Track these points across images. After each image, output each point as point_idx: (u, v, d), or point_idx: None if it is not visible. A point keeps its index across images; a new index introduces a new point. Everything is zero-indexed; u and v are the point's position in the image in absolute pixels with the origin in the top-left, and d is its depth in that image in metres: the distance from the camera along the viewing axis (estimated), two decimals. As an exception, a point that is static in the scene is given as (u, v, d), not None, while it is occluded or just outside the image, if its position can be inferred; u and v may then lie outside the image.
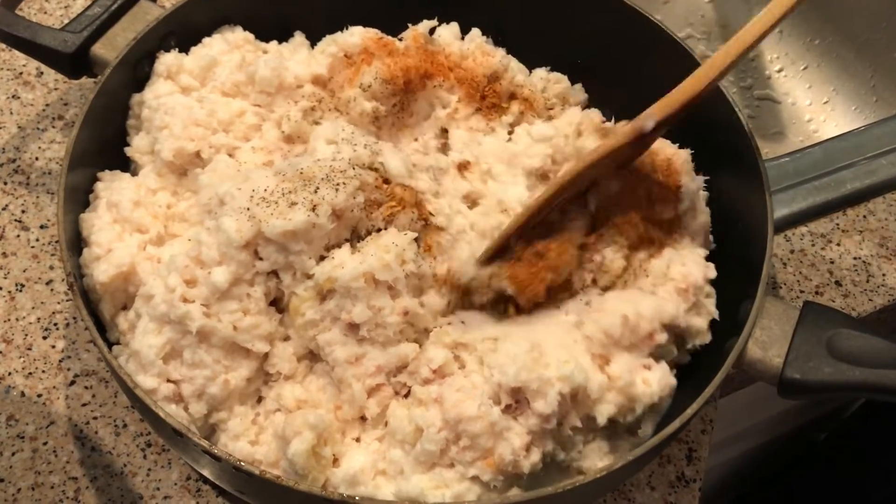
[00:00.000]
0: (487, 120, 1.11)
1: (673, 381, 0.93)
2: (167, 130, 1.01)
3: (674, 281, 0.95)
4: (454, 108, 1.10)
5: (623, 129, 0.91)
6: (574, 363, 0.87)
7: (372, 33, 1.10)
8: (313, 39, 1.16)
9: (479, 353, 0.90)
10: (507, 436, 0.85)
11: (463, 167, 1.06)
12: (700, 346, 0.97)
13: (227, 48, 1.10)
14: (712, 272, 0.98)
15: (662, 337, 0.92)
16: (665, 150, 1.03)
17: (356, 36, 1.09)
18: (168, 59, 1.07)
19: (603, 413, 0.88)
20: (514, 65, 1.15)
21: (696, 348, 0.98)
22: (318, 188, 0.91)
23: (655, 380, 0.90)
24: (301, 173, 0.92)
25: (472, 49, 1.13)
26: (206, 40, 1.10)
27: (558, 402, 0.85)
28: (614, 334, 0.90)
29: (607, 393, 0.89)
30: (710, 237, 1.04)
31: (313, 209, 0.89)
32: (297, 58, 1.10)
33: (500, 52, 1.14)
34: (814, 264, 1.20)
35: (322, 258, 0.92)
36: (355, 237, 0.95)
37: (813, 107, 1.66)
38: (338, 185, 0.91)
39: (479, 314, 0.95)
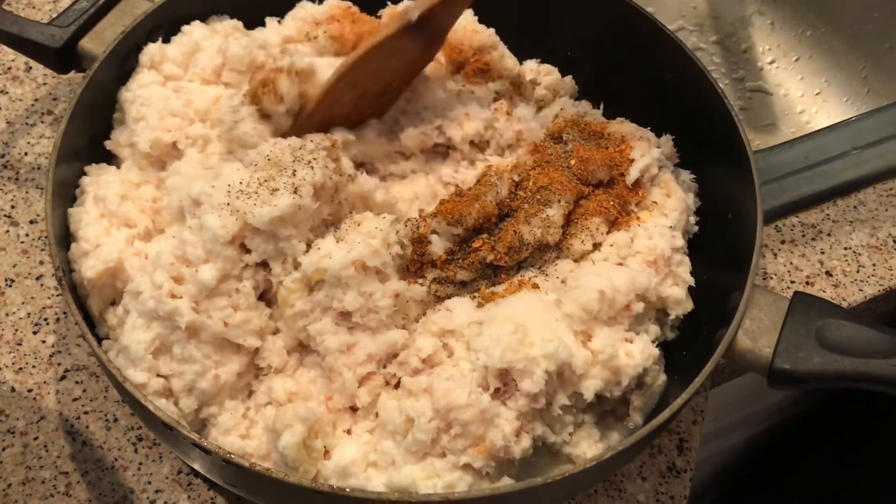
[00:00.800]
0: (469, 83, 1.10)
1: (655, 351, 0.94)
2: (144, 122, 1.01)
3: (641, 254, 0.97)
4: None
5: (392, 21, 0.97)
6: (557, 341, 0.87)
7: (343, 4, 1.11)
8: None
9: (466, 339, 0.90)
10: (498, 422, 0.86)
11: None
12: (684, 316, 0.98)
13: (209, 34, 1.10)
14: (679, 241, 0.99)
15: (639, 306, 0.93)
16: (624, 127, 1.05)
17: (326, 5, 1.11)
18: (152, 49, 1.06)
19: (589, 388, 0.89)
20: (504, 50, 1.14)
21: (679, 319, 0.99)
22: (295, 171, 0.91)
23: (637, 351, 0.91)
24: (269, 160, 0.93)
25: (463, 25, 1.12)
26: (185, 28, 1.10)
27: (545, 381, 0.86)
28: (593, 309, 0.91)
29: (592, 368, 0.90)
30: (692, 220, 1.05)
31: (295, 191, 0.90)
32: (269, 27, 1.10)
33: (490, 31, 1.14)
34: (804, 255, 1.20)
35: (308, 245, 0.92)
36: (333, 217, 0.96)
37: (805, 98, 1.66)
38: (310, 162, 0.92)
39: (464, 301, 0.95)
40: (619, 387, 0.91)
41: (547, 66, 1.18)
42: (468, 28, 1.12)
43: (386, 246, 0.91)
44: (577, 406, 0.92)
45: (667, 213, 1.02)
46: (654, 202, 1.02)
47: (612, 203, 1.00)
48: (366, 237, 0.91)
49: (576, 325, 0.91)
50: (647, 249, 0.97)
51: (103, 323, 0.95)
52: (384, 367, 0.92)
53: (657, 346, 0.97)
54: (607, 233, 1.00)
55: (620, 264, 0.97)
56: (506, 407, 0.87)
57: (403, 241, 0.95)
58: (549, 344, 0.87)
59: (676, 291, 0.97)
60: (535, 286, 0.96)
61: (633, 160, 1.02)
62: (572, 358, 0.88)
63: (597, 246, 0.99)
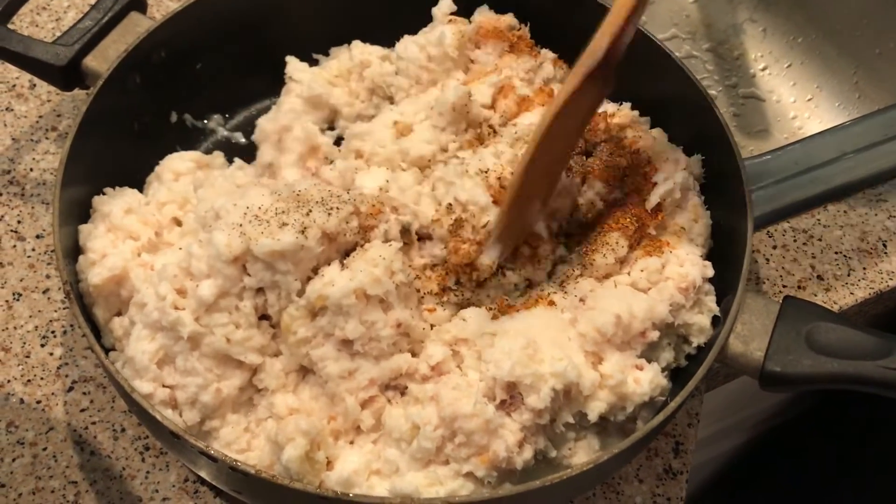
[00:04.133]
0: (525, 56, 1.14)
1: (664, 381, 0.94)
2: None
3: (672, 280, 0.97)
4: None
5: (575, 69, 0.92)
6: (567, 360, 0.89)
7: None
8: (307, 53, 1.19)
9: (478, 349, 0.92)
10: (502, 433, 0.88)
11: None
12: (704, 344, 0.98)
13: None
14: (710, 271, 1.00)
15: (654, 335, 0.94)
16: (656, 146, 1.06)
17: None
18: None
19: (594, 410, 0.91)
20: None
21: (698, 349, 0.99)
22: (310, 211, 0.92)
23: (647, 380, 0.92)
24: (297, 195, 0.94)
25: (485, 17, 1.16)
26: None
27: (551, 398, 0.87)
28: (607, 332, 0.92)
29: (599, 391, 0.91)
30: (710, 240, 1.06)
31: (303, 231, 0.90)
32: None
33: (508, 14, 1.17)
34: (796, 259, 1.22)
35: (310, 278, 0.93)
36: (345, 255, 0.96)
37: (797, 104, 1.68)
38: (331, 209, 0.93)
39: (480, 312, 0.97)
40: (624, 412, 0.92)
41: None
42: (490, 17, 1.16)
43: (389, 274, 0.91)
44: (581, 424, 0.93)
45: (693, 237, 1.03)
46: (682, 227, 1.03)
47: (628, 220, 1.00)
48: (368, 265, 0.91)
49: (588, 345, 0.92)
50: (679, 276, 0.97)
51: (109, 333, 0.97)
52: (387, 388, 0.93)
53: (668, 372, 0.98)
54: (628, 251, 1.00)
55: (650, 289, 0.97)
56: (510, 419, 0.88)
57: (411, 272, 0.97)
58: (558, 363, 0.88)
59: (701, 320, 0.98)
60: (552, 303, 0.97)
61: (655, 183, 1.02)
62: (580, 378, 0.89)
63: (621, 263, 1.00)
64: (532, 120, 1.05)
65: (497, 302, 0.98)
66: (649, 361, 0.94)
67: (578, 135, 1.01)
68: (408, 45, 1.15)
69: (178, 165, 1.09)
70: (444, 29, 1.13)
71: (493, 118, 1.09)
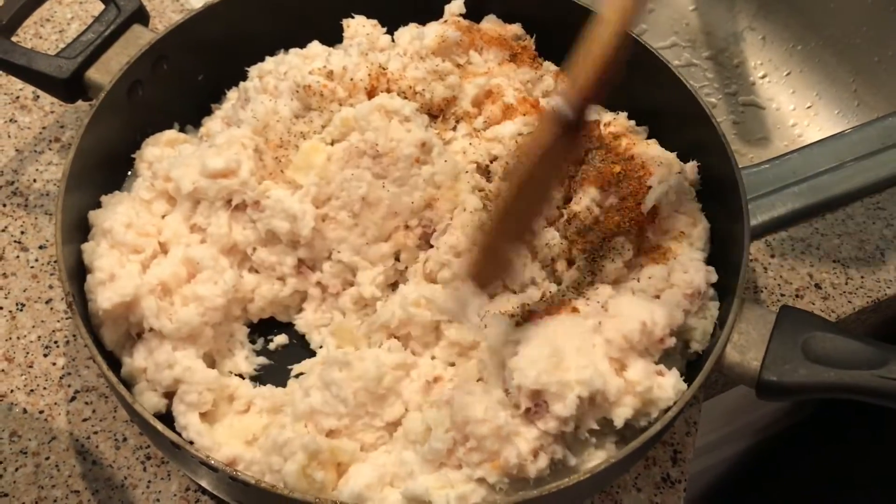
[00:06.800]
0: (525, 66, 1.15)
1: (684, 385, 0.94)
2: None
3: (678, 287, 0.98)
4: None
5: (539, 125, 0.87)
6: (593, 368, 0.89)
7: None
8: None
9: (501, 357, 0.92)
10: (515, 440, 0.88)
11: None
12: (701, 352, 0.99)
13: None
14: (713, 276, 1.00)
15: (671, 341, 0.95)
16: (650, 151, 1.06)
17: None
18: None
19: (620, 416, 0.90)
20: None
21: (696, 355, 0.99)
22: None
23: (670, 385, 0.92)
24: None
25: (491, 25, 1.17)
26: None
27: (577, 405, 0.88)
28: (633, 339, 0.92)
29: (625, 397, 0.91)
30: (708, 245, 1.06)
31: None
32: None
33: (517, 24, 1.18)
34: (794, 268, 1.23)
35: None
36: None
37: (797, 112, 1.68)
38: None
39: (502, 318, 0.96)
40: (648, 417, 0.92)
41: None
42: (496, 25, 1.17)
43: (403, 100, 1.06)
44: (604, 431, 0.93)
45: (693, 241, 1.03)
46: (682, 232, 1.03)
47: (627, 225, 1.01)
48: (384, 98, 1.05)
49: (613, 352, 0.92)
50: (685, 283, 0.98)
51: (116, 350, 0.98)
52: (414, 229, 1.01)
53: None
54: (633, 256, 1.00)
55: (657, 297, 0.98)
56: (527, 427, 0.89)
57: None
58: (584, 370, 0.88)
59: (704, 324, 0.98)
60: (576, 310, 0.97)
61: (650, 187, 1.02)
62: (606, 386, 0.89)
63: (629, 268, 1.00)
64: (512, 129, 1.06)
65: (522, 307, 0.98)
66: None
67: (550, 178, 0.94)
68: (402, 33, 1.16)
69: (150, 155, 1.10)
70: (428, 29, 1.14)
71: (477, 121, 1.09)
